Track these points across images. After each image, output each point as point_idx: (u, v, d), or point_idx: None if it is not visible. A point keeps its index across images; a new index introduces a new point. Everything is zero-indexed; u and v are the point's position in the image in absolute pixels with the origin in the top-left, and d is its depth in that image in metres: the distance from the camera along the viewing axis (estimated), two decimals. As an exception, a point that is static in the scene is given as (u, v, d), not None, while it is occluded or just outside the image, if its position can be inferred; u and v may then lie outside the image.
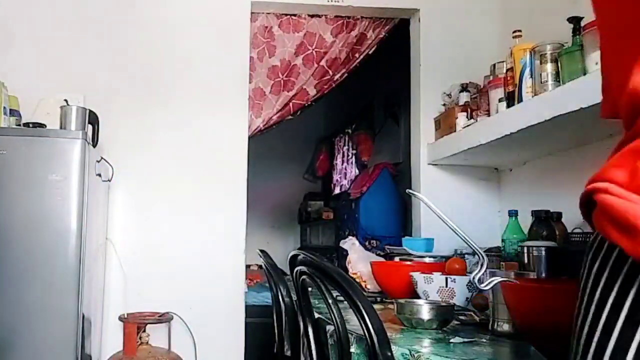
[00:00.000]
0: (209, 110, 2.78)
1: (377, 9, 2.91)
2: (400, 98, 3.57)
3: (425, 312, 1.17)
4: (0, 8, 2.68)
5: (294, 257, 1.04)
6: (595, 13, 0.72)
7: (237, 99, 2.81)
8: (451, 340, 0.97)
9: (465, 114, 2.44)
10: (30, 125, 2.26)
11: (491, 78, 2.27)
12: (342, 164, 5.27)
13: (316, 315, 1.19)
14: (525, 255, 1.82)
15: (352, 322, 0.95)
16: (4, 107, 2.33)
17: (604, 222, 0.56)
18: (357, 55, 3.02)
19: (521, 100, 1.94)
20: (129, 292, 2.60)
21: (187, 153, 2.75)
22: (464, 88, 2.55)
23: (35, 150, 2.14)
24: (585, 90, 1.57)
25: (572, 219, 1.85)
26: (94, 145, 2.37)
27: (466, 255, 2.07)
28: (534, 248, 1.80)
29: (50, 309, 2.09)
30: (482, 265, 0.92)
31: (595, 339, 0.55)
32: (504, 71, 2.15)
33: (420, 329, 1.10)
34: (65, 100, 2.40)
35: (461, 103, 2.52)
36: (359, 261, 2.22)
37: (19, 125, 2.38)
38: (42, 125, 2.28)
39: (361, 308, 0.81)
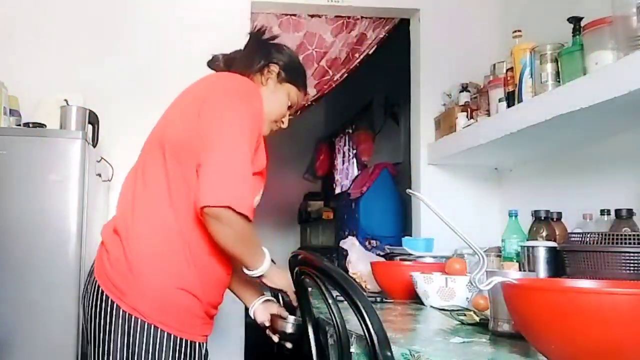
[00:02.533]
0: (209, 110, 2.78)
1: (377, 9, 2.91)
2: (400, 98, 3.57)
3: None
4: (0, 8, 2.68)
5: (294, 257, 1.04)
6: None
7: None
8: (451, 340, 0.97)
9: (465, 114, 2.44)
10: (30, 125, 2.26)
11: (491, 78, 2.26)
12: (343, 164, 5.28)
13: (316, 315, 1.19)
14: (525, 255, 1.82)
15: (352, 322, 0.95)
16: (4, 107, 2.32)
17: None
18: (357, 55, 3.02)
19: (521, 100, 1.94)
20: (129, 292, 2.59)
21: (187, 153, 2.74)
22: (464, 88, 2.55)
23: (35, 150, 2.14)
24: (585, 90, 1.57)
25: (572, 219, 1.85)
26: (94, 145, 2.37)
27: (466, 255, 2.07)
28: (534, 248, 1.80)
29: (50, 309, 2.08)
30: (482, 265, 0.92)
31: None
32: (504, 71, 2.14)
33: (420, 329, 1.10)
34: (65, 100, 2.39)
35: (461, 103, 2.52)
36: (359, 261, 2.21)
37: (19, 125, 2.38)
38: (42, 125, 2.28)
39: (361, 308, 0.81)
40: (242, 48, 1.59)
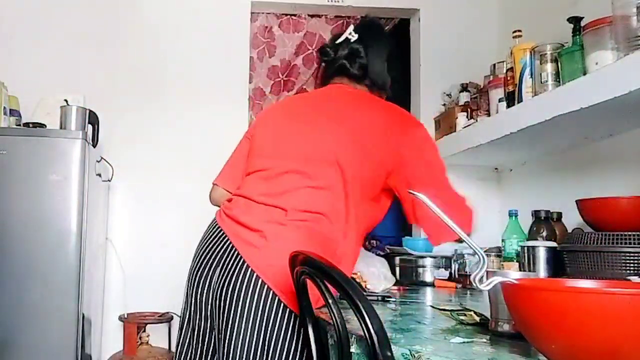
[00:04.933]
0: (209, 110, 2.78)
1: (377, 9, 2.91)
2: (400, 98, 3.57)
3: None
4: (1, 8, 2.68)
5: (294, 257, 1.04)
6: None
7: (237, 99, 2.81)
8: (451, 341, 0.97)
9: (465, 114, 2.44)
10: (30, 125, 2.26)
11: (491, 78, 2.27)
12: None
13: (316, 315, 1.19)
14: (525, 255, 1.82)
15: (352, 322, 0.95)
16: (4, 107, 2.33)
17: None
18: (357, 55, 3.02)
19: (521, 100, 1.94)
20: (129, 292, 2.60)
21: (188, 153, 2.75)
22: (464, 88, 2.55)
23: (35, 150, 2.14)
24: (585, 90, 1.57)
25: (572, 219, 1.85)
26: (94, 145, 2.37)
27: (466, 255, 2.07)
28: (534, 248, 1.80)
29: (50, 309, 2.09)
30: (482, 265, 0.92)
31: None
32: (504, 71, 2.14)
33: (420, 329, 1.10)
34: (65, 100, 2.40)
35: (461, 103, 2.52)
36: (360, 261, 2.21)
37: (19, 125, 2.38)
38: (42, 125, 2.28)
39: (361, 308, 0.81)
40: (370, 46, 1.49)
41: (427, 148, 1.39)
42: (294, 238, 1.26)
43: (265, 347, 1.21)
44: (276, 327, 1.22)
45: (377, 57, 1.48)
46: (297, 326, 1.24)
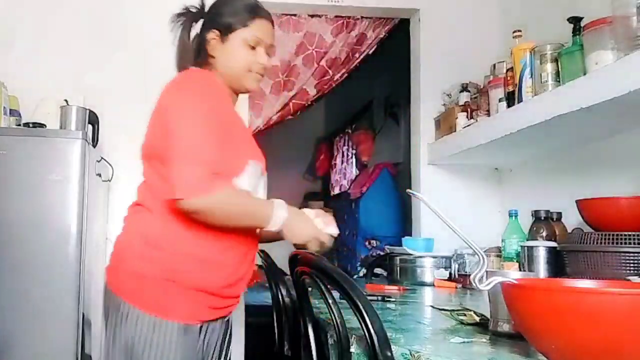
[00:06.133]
0: (209, 110, 2.78)
1: (377, 9, 2.91)
2: (400, 98, 3.57)
3: None
4: (1, 8, 2.68)
5: (294, 257, 1.04)
6: None
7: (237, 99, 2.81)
8: (451, 341, 0.97)
9: (465, 114, 2.44)
10: (30, 125, 2.25)
11: (491, 78, 2.27)
12: (342, 164, 5.27)
13: (316, 315, 1.19)
14: (525, 255, 1.82)
15: (352, 322, 0.95)
16: (4, 107, 2.32)
17: None
18: (357, 55, 3.02)
19: (521, 100, 1.94)
20: (129, 292, 2.59)
21: (187, 153, 2.74)
22: (464, 88, 2.55)
23: (35, 150, 2.14)
24: (585, 90, 1.57)
25: (572, 219, 1.85)
26: (94, 145, 2.37)
27: (466, 255, 2.08)
28: (534, 248, 1.81)
29: (50, 309, 2.08)
30: (482, 265, 0.92)
31: None
32: (504, 71, 2.15)
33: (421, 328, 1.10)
34: (65, 100, 2.40)
35: (461, 103, 2.52)
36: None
37: (19, 125, 2.38)
38: (42, 125, 2.28)
39: (361, 308, 0.81)
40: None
41: (173, 111, 1.37)
42: (121, 235, 1.41)
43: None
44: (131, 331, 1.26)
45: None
46: (133, 317, 1.25)
